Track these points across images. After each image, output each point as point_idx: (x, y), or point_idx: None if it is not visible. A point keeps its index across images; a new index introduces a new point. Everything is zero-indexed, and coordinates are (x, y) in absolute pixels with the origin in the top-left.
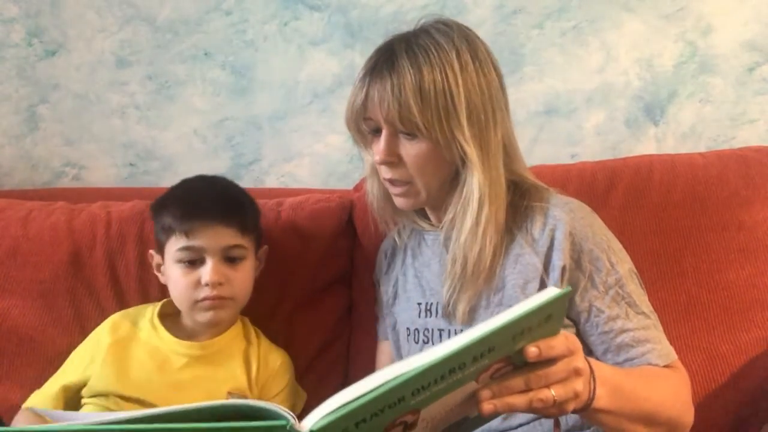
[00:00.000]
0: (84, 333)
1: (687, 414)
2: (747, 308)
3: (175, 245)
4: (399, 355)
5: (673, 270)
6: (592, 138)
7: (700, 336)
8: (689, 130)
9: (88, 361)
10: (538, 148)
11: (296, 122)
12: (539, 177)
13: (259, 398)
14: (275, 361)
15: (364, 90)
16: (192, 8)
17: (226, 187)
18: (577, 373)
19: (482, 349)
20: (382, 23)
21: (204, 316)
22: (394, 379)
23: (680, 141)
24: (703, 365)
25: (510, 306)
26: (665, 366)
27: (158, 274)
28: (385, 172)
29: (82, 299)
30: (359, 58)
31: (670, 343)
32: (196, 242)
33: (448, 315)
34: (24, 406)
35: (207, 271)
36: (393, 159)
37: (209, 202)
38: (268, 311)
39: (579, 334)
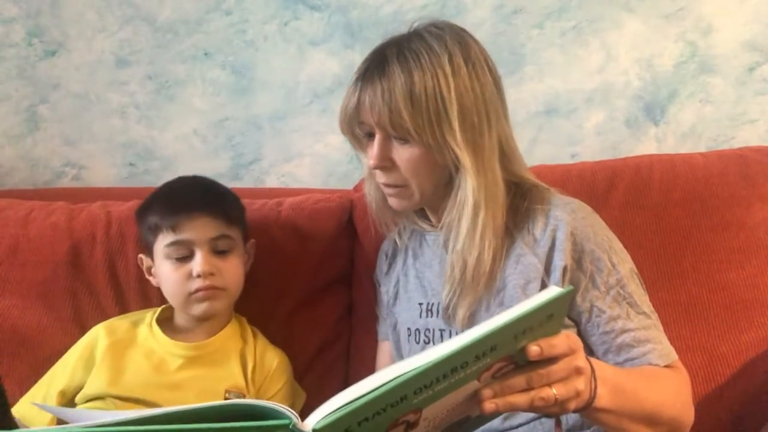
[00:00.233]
0: (84, 333)
1: (687, 414)
2: (747, 308)
3: (163, 242)
4: (399, 356)
5: (673, 270)
6: (592, 138)
7: (700, 336)
8: (689, 130)
9: (82, 366)
10: (538, 148)
11: (296, 122)
12: (539, 177)
13: (256, 397)
14: (272, 360)
15: (356, 95)
16: (192, 8)
17: (208, 182)
18: (578, 372)
19: (484, 348)
20: (382, 23)
21: (198, 308)
22: (397, 378)
23: (680, 141)
24: (703, 365)
25: (511, 306)
26: (666, 366)
27: (150, 278)
28: (380, 177)
29: (82, 299)
30: (359, 58)
31: (671, 343)
32: (184, 236)
33: (448, 318)
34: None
35: (197, 263)
36: (386, 163)
37: (192, 196)
38: (267, 311)
39: (580, 335)
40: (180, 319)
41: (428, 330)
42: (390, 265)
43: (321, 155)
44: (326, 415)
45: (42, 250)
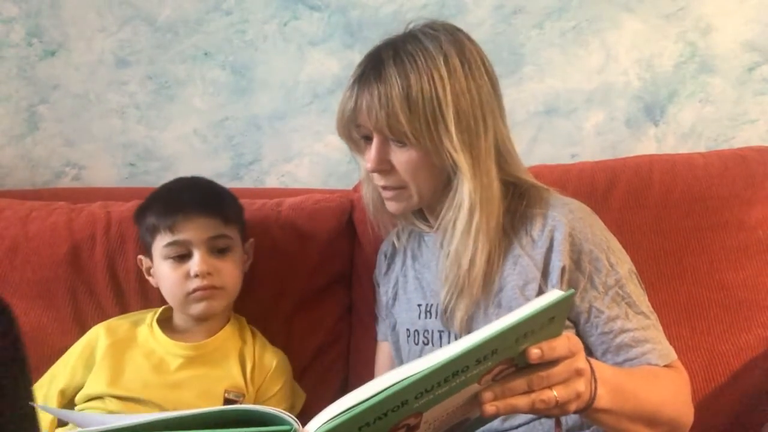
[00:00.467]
0: (84, 333)
1: (687, 414)
2: (746, 308)
3: (161, 242)
4: (398, 356)
5: (673, 270)
6: (592, 138)
7: (700, 336)
8: (689, 130)
9: (82, 366)
10: (538, 148)
11: (296, 122)
12: (539, 177)
13: (256, 397)
14: (271, 360)
15: (353, 99)
16: (192, 8)
17: (205, 183)
18: (578, 373)
19: (485, 351)
20: (382, 23)
21: (197, 308)
22: (398, 383)
23: (680, 141)
24: (703, 365)
25: (510, 307)
26: (665, 366)
27: (150, 278)
28: (378, 179)
29: (82, 299)
30: (359, 58)
31: (670, 343)
32: (181, 236)
33: (446, 320)
34: None
35: (195, 263)
36: (384, 167)
37: (190, 196)
38: (267, 311)
39: (579, 335)
40: (179, 319)
41: (427, 331)
42: (389, 266)
43: (321, 155)
44: (327, 421)
45: (42, 250)
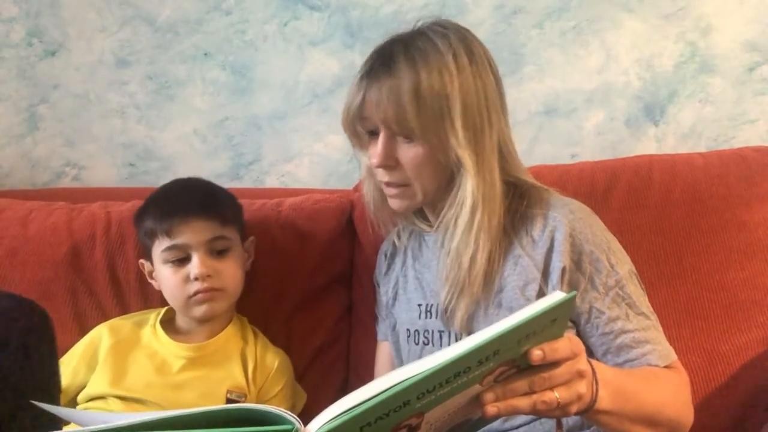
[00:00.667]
0: (84, 333)
1: (687, 414)
2: (747, 308)
3: (159, 247)
4: (399, 356)
5: (673, 270)
6: (591, 138)
7: (700, 336)
8: (689, 130)
9: (85, 365)
10: (538, 148)
11: (296, 122)
12: (539, 177)
13: (258, 397)
14: (272, 360)
15: (362, 93)
16: (192, 8)
17: (203, 184)
18: (580, 375)
19: (487, 353)
20: (382, 23)
21: (198, 311)
22: (400, 383)
23: (680, 141)
24: (703, 365)
25: (510, 307)
26: (665, 367)
27: (152, 282)
28: (382, 176)
29: (82, 299)
30: (359, 58)
31: (670, 344)
32: (179, 240)
33: (447, 320)
34: None
35: (194, 266)
36: (390, 162)
37: (186, 199)
38: (267, 311)
39: (579, 335)
40: (181, 320)
41: (427, 331)
42: (389, 266)
43: (321, 155)
44: (328, 421)
45: (42, 250)
